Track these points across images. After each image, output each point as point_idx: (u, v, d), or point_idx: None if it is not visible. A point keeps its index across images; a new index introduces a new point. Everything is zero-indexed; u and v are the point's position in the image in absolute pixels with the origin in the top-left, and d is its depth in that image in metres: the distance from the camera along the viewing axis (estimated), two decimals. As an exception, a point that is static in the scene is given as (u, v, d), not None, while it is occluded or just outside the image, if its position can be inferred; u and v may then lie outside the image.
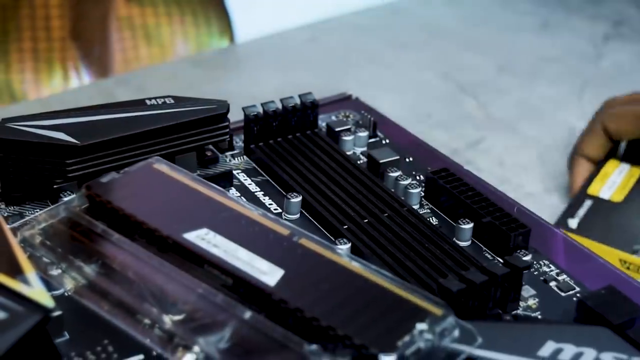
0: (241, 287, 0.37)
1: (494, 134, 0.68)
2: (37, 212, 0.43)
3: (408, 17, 0.85)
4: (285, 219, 0.45)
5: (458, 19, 0.85)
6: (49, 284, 0.39)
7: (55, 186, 0.44)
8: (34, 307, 0.33)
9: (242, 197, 0.47)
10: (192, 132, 0.46)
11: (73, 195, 0.42)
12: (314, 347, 0.34)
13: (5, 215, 0.44)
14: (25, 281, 0.34)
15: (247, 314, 0.36)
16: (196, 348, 0.36)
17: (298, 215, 0.46)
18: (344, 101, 0.55)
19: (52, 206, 0.42)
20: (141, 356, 0.37)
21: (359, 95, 0.57)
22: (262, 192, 0.47)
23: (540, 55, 0.79)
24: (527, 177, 0.63)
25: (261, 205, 0.46)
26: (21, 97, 0.70)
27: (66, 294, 0.39)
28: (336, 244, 0.43)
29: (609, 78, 0.75)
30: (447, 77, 0.75)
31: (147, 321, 0.37)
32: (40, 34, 0.68)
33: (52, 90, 0.71)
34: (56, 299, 0.38)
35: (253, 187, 0.48)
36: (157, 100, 0.46)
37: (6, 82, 0.69)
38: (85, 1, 0.70)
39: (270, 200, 0.47)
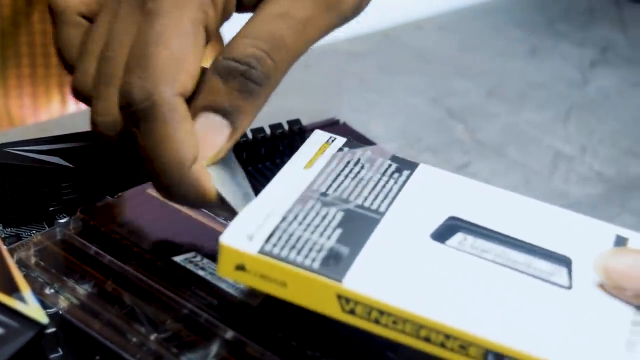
0: (225, 307, 0.39)
1: (481, 158, 0.69)
2: (33, 233, 0.45)
3: (400, 44, 0.87)
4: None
5: (449, 45, 0.87)
6: (44, 303, 0.41)
7: (50, 209, 0.46)
8: (30, 323, 0.34)
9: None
10: (183, 156, 0.47)
11: (68, 218, 0.44)
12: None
13: (2, 236, 0.45)
14: (21, 299, 0.35)
15: (230, 334, 0.38)
16: (181, 366, 0.37)
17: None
18: (333, 126, 0.57)
19: (47, 228, 0.43)
20: (131, 371, 0.38)
21: (351, 120, 0.59)
22: (251, 215, 0.49)
23: (528, 81, 0.80)
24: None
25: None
26: (19, 122, 0.72)
27: (60, 312, 0.41)
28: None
29: (595, 103, 0.77)
30: (437, 102, 0.77)
31: (135, 340, 0.38)
32: (39, 60, 0.70)
33: (50, 115, 0.72)
34: (50, 317, 0.40)
35: (242, 210, 0.49)
36: (150, 126, 0.48)
37: (5, 106, 0.71)
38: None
39: (258, 222, 0.48)
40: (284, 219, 0.36)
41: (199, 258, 0.40)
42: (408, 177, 0.41)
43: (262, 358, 0.37)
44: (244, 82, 0.37)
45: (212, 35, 0.38)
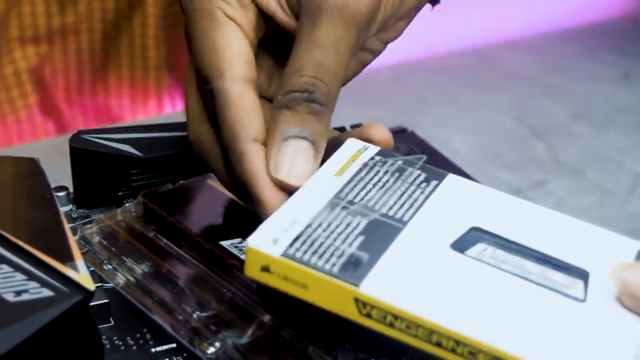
0: (264, 292, 0.41)
1: (559, 177, 0.70)
2: (101, 215, 0.48)
3: (490, 63, 0.88)
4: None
5: (540, 66, 0.87)
6: (102, 278, 0.44)
7: (120, 193, 0.49)
8: (78, 289, 0.37)
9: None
10: (245, 152, 0.50)
11: (131, 202, 0.47)
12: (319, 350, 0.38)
13: (74, 216, 0.49)
14: (74, 267, 0.38)
15: (266, 317, 0.40)
16: (217, 343, 0.39)
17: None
18: (400, 134, 0.59)
19: (111, 210, 0.46)
20: (174, 345, 0.41)
21: (433, 134, 0.60)
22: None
23: (617, 105, 0.80)
24: (584, 219, 0.64)
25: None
26: (118, 120, 0.76)
27: (116, 287, 0.44)
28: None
29: (683, 130, 0.76)
30: (521, 121, 0.77)
31: (181, 318, 0.41)
32: (138, 62, 0.74)
33: (146, 115, 0.76)
34: (107, 291, 0.43)
35: (301, 207, 0.51)
36: (217, 122, 0.51)
37: (105, 105, 0.75)
38: (180, 33, 0.75)
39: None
40: (309, 225, 0.38)
41: (244, 243, 0.43)
42: (435, 187, 0.42)
43: (295, 343, 0.39)
44: (308, 105, 0.40)
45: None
